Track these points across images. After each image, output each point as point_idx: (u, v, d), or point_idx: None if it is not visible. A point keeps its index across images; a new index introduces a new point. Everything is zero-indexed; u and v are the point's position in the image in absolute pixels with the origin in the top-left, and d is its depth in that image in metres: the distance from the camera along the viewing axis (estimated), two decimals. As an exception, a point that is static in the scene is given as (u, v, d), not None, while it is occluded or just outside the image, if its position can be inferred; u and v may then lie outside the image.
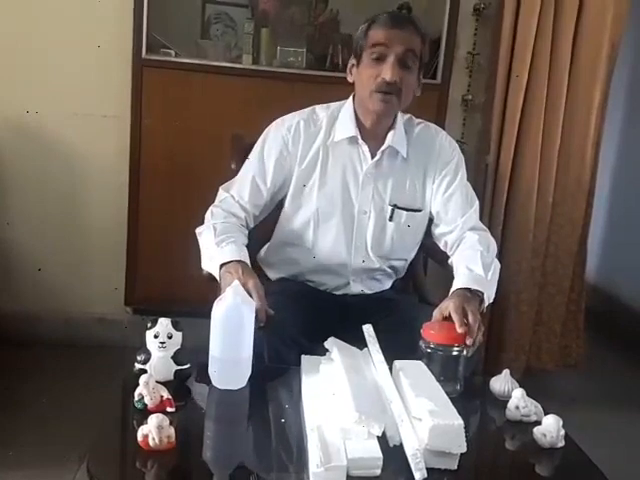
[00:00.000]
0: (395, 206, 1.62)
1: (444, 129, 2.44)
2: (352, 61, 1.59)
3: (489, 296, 1.46)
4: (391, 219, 1.62)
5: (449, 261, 1.62)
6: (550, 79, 2.42)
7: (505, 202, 2.48)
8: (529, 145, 2.45)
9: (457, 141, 2.50)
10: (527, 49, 2.37)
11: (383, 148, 1.59)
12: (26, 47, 2.39)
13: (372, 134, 1.59)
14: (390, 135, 1.59)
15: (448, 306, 1.34)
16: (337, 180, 1.60)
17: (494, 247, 1.62)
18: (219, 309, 1.19)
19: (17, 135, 2.44)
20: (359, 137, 1.58)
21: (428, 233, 1.71)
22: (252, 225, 1.63)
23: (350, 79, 1.59)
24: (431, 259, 2.06)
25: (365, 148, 1.59)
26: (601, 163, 2.62)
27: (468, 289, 1.41)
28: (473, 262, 1.49)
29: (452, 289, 1.44)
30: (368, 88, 1.51)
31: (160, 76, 2.38)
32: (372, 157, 1.59)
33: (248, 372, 1.22)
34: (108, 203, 2.52)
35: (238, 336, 1.20)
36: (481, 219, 2.45)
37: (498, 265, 1.57)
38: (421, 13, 2.53)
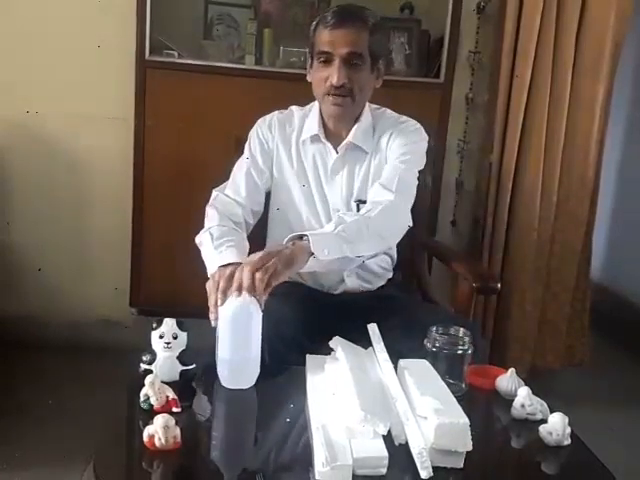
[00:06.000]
0: (360, 201, 1.62)
1: (447, 129, 2.48)
2: (309, 60, 1.59)
3: (322, 247, 1.34)
4: None
5: None
6: (553, 77, 2.42)
7: (509, 201, 2.48)
8: (533, 144, 2.45)
9: (459, 140, 2.54)
10: (530, 47, 2.37)
11: (343, 144, 1.61)
12: (27, 48, 2.40)
13: (335, 132, 1.62)
14: (353, 130, 1.60)
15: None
16: (311, 179, 1.64)
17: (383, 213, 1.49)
18: (227, 309, 1.20)
19: (19, 135, 2.45)
20: (321, 135, 1.61)
21: (429, 232, 1.70)
22: (252, 221, 1.63)
23: (309, 78, 1.61)
24: (435, 258, 2.06)
25: (329, 145, 1.62)
26: (606, 162, 2.62)
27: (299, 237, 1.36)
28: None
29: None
30: (320, 91, 1.54)
31: (163, 77, 2.38)
32: (337, 153, 1.62)
33: (257, 371, 1.22)
34: (111, 204, 2.53)
35: (247, 335, 1.20)
36: (485, 218, 2.49)
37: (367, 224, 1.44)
38: (424, 12, 2.55)
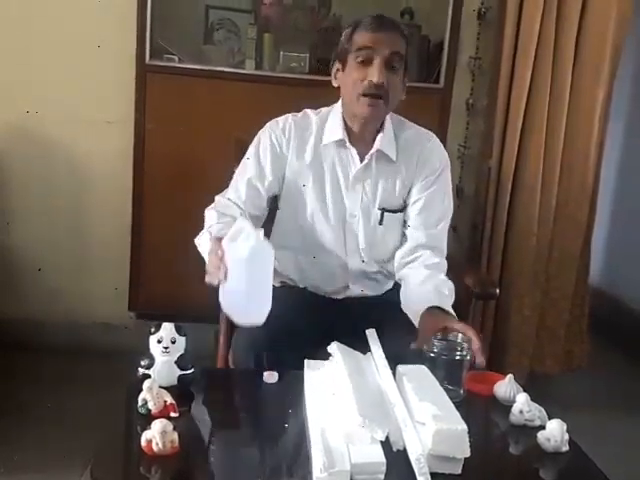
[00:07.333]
0: (384, 209, 1.62)
1: (447, 133, 2.48)
2: (337, 65, 1.59)
3: None
4: (381, 223, 1.62)
5: (399, 271, 1.64)
6: (553, 82, 2.42)
7: (508, 205, 2.48)
8: (532, 148, 2.45)
9: (460, 145, 2.55)
10: (529, 52, 2.37)
11: (372, 152, 1.59)
12: (27, 48, 2.40)
13: (360, 137, 1.60)
14: (379, 138, 1.59)
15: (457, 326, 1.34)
16: (329, 183, 1.62)
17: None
18: (244, 246, 1.20)
19: (19, 137, 2.45)
20: (347, 140, 1.60)
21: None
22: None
23: (335, 84, 1.60)
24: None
25: (353, 151, 1.60)
26: (605, 167, 2.62)
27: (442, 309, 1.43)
28: (444, 286, 1.51)
29: (428, 306, 1.43)
30: (355, 92, 1.52)
31: (163, 82, 2.39)
32: (361, 160, 1.61)
33: (268, 307, 1.23)
34: (111, 206, 2.53)
35: (264, 270, 1.21)
36: (484, 223, 2.49)
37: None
38: (424, 17, 2.55)
